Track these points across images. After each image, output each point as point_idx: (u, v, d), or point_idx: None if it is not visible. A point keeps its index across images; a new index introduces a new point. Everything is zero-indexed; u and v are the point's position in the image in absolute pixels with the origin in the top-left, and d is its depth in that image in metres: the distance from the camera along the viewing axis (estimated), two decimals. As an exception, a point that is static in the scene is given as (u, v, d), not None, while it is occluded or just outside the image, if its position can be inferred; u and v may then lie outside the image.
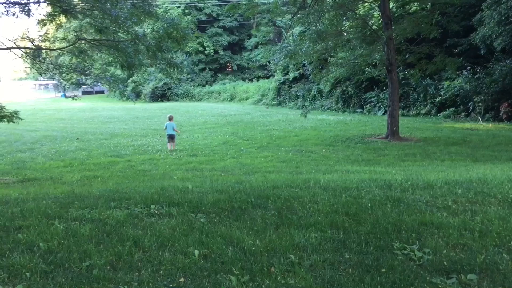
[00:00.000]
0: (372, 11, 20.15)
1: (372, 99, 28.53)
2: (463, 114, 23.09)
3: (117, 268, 3.58)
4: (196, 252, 3.83)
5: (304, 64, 30.65)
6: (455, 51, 23.43)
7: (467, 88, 22.74)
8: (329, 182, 6.64)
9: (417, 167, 10.66)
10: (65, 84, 16.32)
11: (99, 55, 13.74)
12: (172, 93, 51.47)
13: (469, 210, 4.81)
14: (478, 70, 22.91)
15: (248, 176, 9.69)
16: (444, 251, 3.78)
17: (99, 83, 14.24)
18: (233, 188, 6.29)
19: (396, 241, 4.03)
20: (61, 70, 11.96)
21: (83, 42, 11.64)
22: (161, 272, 3.50)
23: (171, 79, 46.55)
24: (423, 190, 5.68)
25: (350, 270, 3.50)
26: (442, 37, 21.75)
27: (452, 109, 23.68)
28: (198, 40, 51.33)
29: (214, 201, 5.40)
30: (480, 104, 22.28)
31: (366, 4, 19.53)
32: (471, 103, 22.75)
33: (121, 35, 14.39)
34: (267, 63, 40.62)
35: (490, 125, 20.16)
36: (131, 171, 11.51)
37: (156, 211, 5.14)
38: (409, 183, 6.14)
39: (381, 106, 27.60)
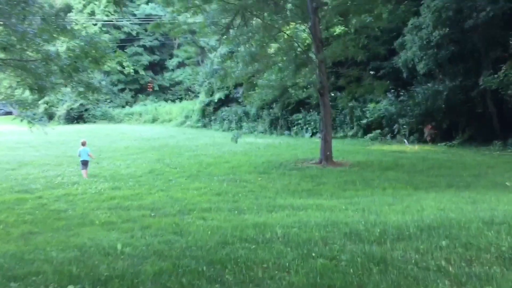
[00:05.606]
0: (300, 32, 19.81)
1: (299, 121, 28.36)
2: (388, 136, 23.46)
3: None
4: None
5: (232, 86, 29.90)
6: (378, 74, 23.82)
7: (391, 111, 23.16)
8: (285, 230, 5.67)
9: (362, 198, 10.09)
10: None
11: (5, 75, 12.12)
12: (89, 114, 48.22)
13: (465, 275, 3.97)
14: (401, 93, 23.43)
15: (183, 216, 8.55)
16: None
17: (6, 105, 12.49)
18: (174, 245, 5.10)
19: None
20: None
21: (-17, 61, 10.00)
22: None
23: (88, 100, 43.70)
24: (400, 242, 4.86)
25: None
26: (366, 60, 21.96)
27: (378, 131, 24.01)
28: (117, 60, 48.88)
29: (155, 274, 4.13)
30: (405, 126, 22.74)
31: (294, 24, 19.12)
32: (396, 125, 23.17)
33: (30, 53, 12.73)
34: (194, 84, 39.46)
35: (416, 147, 20.50)
36: (42, 213, 9.79)
37: (75, 295, 3.82)
38: (378, 230, 5.32)
39: (309, 128, 27.52)
